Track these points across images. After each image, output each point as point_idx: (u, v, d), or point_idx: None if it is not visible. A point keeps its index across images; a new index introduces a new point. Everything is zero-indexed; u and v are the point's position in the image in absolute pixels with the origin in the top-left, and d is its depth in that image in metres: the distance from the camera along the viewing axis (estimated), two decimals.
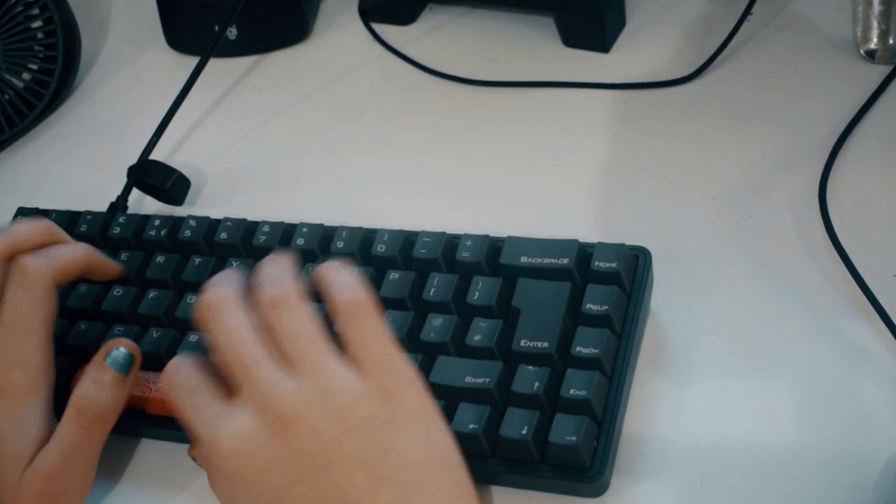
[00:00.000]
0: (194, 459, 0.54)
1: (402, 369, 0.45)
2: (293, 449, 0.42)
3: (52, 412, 0.53)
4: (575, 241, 0.55)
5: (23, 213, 0.67)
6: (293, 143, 0.73)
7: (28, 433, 0.52)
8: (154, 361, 0.56)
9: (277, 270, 0.46)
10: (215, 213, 0.64)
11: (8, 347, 0.52)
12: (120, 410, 0.53)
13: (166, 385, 0.46)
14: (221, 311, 0.45)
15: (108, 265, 0.57)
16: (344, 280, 0.46)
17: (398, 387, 0.44)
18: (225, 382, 0.46)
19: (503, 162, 0.67)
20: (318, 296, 0.46)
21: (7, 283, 0.53)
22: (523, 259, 0.55)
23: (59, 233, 0.56)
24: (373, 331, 0.45)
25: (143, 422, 0.56)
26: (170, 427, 0.55)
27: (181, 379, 0.46)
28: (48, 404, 0.53)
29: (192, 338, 0.57)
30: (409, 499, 0.42)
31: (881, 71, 0.65)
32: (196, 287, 0.59)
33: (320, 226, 0.60)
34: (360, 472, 0.42)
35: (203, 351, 0.56)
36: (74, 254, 0.55)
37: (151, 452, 0.58)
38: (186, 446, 0.55)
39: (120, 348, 0.53)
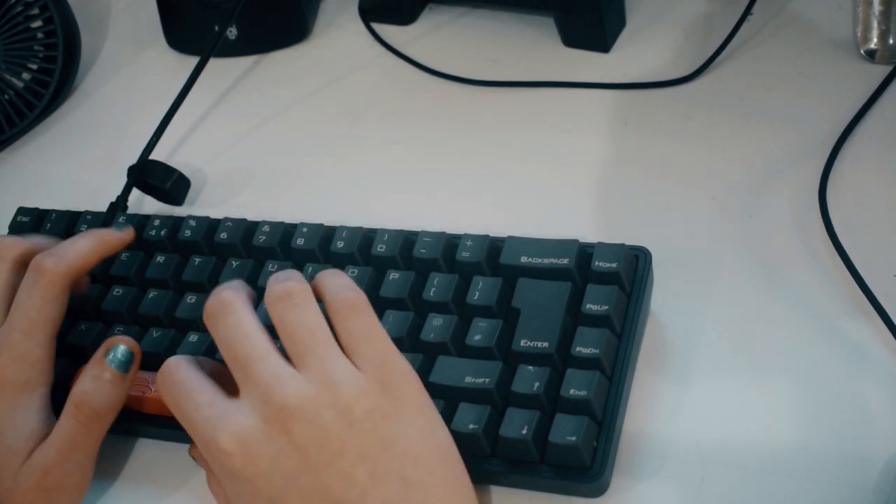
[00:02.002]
0: (194, 458, 0.54)
1: (399, 364, 0.45)
2: (296, 443, 0.42)
3: (49, 409, 0.53)
4: (575, 241, 0.55)
5: (23, 213, 0.67)
6: (293, 143, 0.73)
7: (25, 428, 0.52)
8: (154, 361, 0.56)
9: (285, 273, 0.47)
10: (215, 213, 0.64)
11: (12, 343, 0.53)
12: (119, 408, 0.53)
13: (162, 385, 0.46)
14: (228, 310, 0.46)
15: (120, 240, 0.58)
16: (338, 281, 0.47)
17: (397, 381, 0.44)
18: (224, 382, 0.46)
19: (503, 162, 0.67)
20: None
21: (22, 282, 0.54)
22: (523, 259, 0.55)
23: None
24: (367, 326, 0.45)
25: (142, 422, 0.56)
26: (168, 427, 0.55)
27: (177, 379, 0.46)
28: (46, 401, 0.53)
29: (193, 338, 0.57)
30: (409, 493, 0.42)
31: (881, 71, 0.65)
32: (196, 287, 0.59)
33: (320, 226, 0.60)
34: (363, 465, 0.42)
35: (203, 352, 0.56)
36: (87, 247, 0.56)
37: (150, 452, 0.58)
38: (185, 446, 0.55)
39: (120, 346, 0.53)
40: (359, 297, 0.46)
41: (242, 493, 0.43)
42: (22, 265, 0.56)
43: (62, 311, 0.54)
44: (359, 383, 0.43)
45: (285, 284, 0.46)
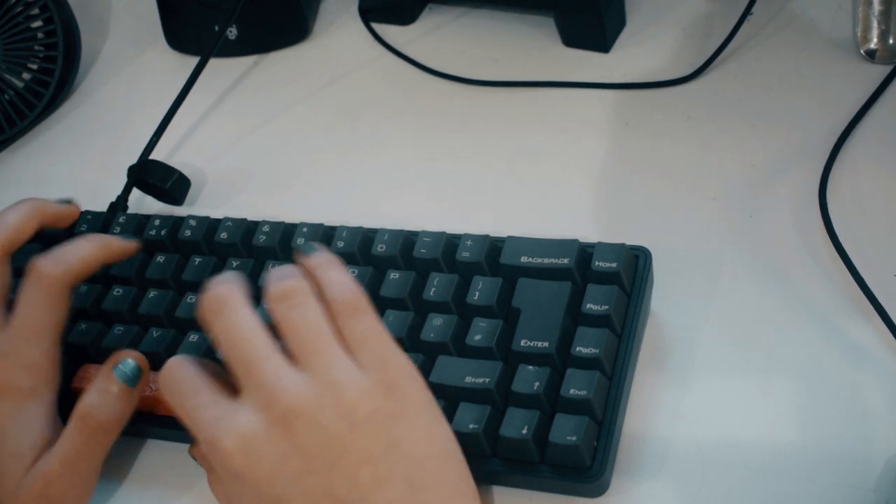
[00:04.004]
0: (195, 458, 0.54)
1: (402, 365, 0.45)
2: (299, 445, 0.42)
3: (56, 415, 0.53)
4: (575, 241, 0.55)
5: None
6: (293, 143, 0.73)
7: (31, 434, 0.52)
8: (154, 361, 0.56)
9: (283, 269, 0.46)
10: (215, 213, 0.64)
11: (17, 349, 0.52)
12: (125, 422, 0.53)
13: (163, 386, 0.46)
14: (225, 308, 0.45)
15: (123, 249, 0.58)
16: (337, 278, 0.46)
17: (399, 382, 0.44)
18: (225, 383, 0.46)
19: (503, 162, 0.67)
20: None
21: (23, 285, 0.54)
22: (523, 259, 0.55)
23: (48, 209, 0.57)
24: (369, 327, 0.45)
25: (144, 423, 0.56)
26: (170, 427, 0.55)
27: (179, 379, 0.46)
28: (52, 407, 0.53)
29: (193, 338, 0.57)
30: (413, 494, 0.42)
31: (881, 71, 0.65)
32: (196, 287, 0.59)
33: (320, 226, 0.60)
34: (366, 467, 0.42)
35: (203, 352, 0.56)
36: (89, 251, 0.55)
37: (151, 452, 0.57)
38: (186, 446, 0.55)
39: (128, 360, 0.53)
40: (360, 298, 0.45)
41: (245, 494, 0.43)
42: (7, 257, 0.55)
43: (65, 315, 0.54)
44: (362, 385, 0.43)
45: (286, 283, 0.45)
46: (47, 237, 0.62)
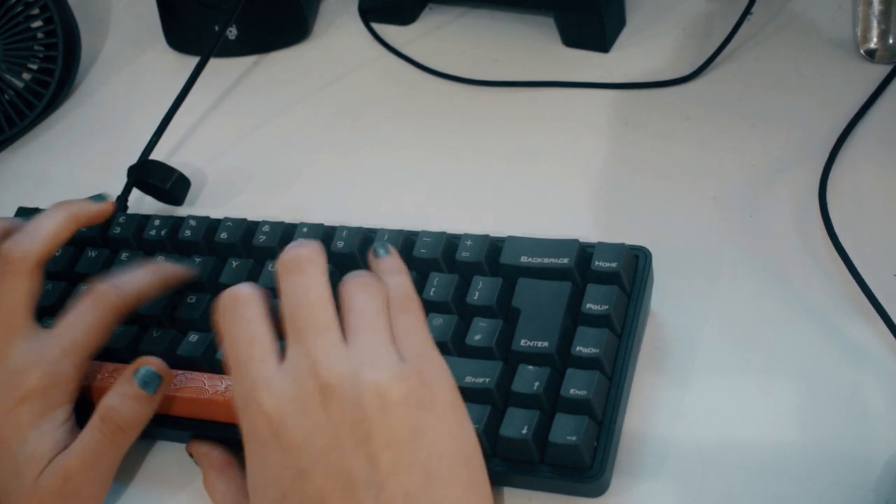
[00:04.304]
0: (191, 455, 0.54)
1: (438, 362, 0.46)
2: (331, 419, 0.43)
3: (74, 422, 0.54)
4: (575, 241, 0.55)
5: (23, 213, 0.67)
6: (293, 143, 0.73)
7: (50, 439, 0.52)
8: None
9: (365, 273, 0.48)
10: (215, 213, 0.64)
11: (51, 359, 0.53)
12: (143, 425, 0.53)
13: (226, 312, 0.46)
14: (301, 270, 0.46)
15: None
16: (399, 280, 0.48)
17: (433, 378, 0.45)
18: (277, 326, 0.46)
19: (503, 162, 0.67)
20: None
21: (79, 301, 0.55)
22: (523, 259, 0.55)
23: (80, 211, 0.58)
24: (416, 324, 0.46)
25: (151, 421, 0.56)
26: (175, 427, 0.56)
27: (244, 316, 0.46)
28: (72, 415, 0.54)
29: (193, 338, 0.57)
30: (429, 487, 0.42)
31: (881, 71, 0.65)
32: (196, 287, 0.59)
33: (320, 226, 0.60)
34: (388, 451, 0.42)
35: (201, 353, 0.56)
36: (145, 281, 0.57)
37: (157, 452, 0.58)
38: (183, 445, 0.55)
39: (148, 368, 0.53)
40: (414, 298, 0.47)
41: (269, 460, 0.43)
42: (40, 265, 0.55)
43: (106, 340, 0.55)
44: (399, 368, 0.44)
45: (365, 276, 0.47)
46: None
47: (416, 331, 0.46)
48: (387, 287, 0.47)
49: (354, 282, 0.47)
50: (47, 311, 0.60)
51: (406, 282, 0.48)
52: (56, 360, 0.53)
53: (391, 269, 0.49)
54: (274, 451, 0.43)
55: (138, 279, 0.57)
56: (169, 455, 0.57)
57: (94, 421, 0.52)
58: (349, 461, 0.42)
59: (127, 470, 0.57)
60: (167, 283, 0.58)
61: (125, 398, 0.53)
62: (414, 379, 0.44)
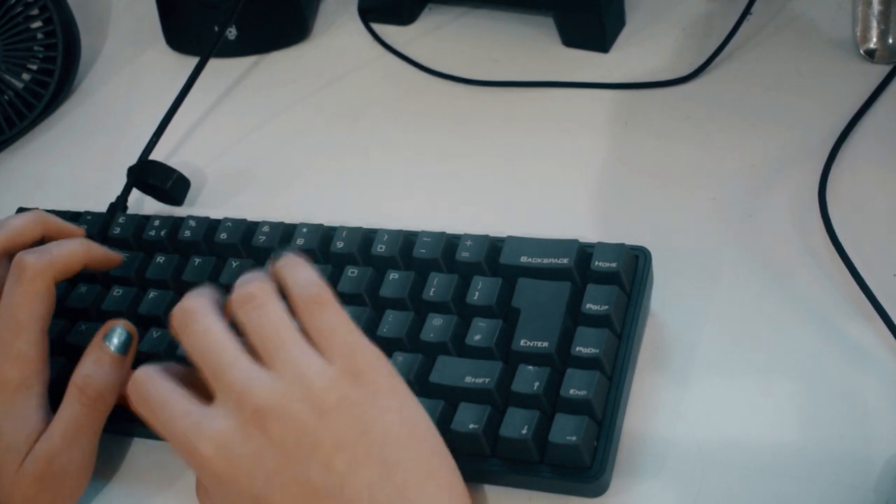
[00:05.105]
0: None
1: (367, 351, 0.45)
2: (273, 441, 0.43)
3: (48, 407, 0.54)
4: (575, 241, 0.55)
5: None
6: (293, 143, 0.73)
7: (24, 427, 0.52)
8: (154, 361, 0.57)
9: (248, 276, 0.47)
10: (215, 213, 0.64)
11: (3, 343, 0.53)
12: (120, 390, 0.53)
13: (135, 397, 0.46)
14: (193, 318, 0.46)
15: (108, 257, 0.58)
16: (300, 275, 0.47)
17: (366, 368, 0.45)
18: (196, 385, 0.46)
19: (503, 162, 0.67)
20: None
21: (6, 279, 0.54)
22: (523, 259, 0.55)
23: (52, 220, 0.58)
24: (333, 319, 0.46)
25: (130, 420, 0.56)
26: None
27: (150, 390, 0.46)
28: (44, 399, 0.54)
29: None
30: (390, 474, 0.43)
31: (881, 71, 0.65)
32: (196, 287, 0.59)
33: (320, 226, 0.60)
34: (341, 454, 0.42)
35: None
36: (73, 250, 0.56)
37: (137, 450, 0.58)
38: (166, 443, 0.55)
39: (118, 328, 0.54)
40: (322, 291, 0.46)
41: (228, 495, 0.44)
42: (4, 258, 0.56)
43: (50, 307, 0.54)
44: (328, 374, 0.44)
45: (247, 288, 0.46)
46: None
47: (337, 327, 0.45)
48: (291, 285, 0.46)
49: (238, 301, 0.46)
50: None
51: (307, 273, 0.47)
52: (5, 341, 0.53)
53: (287, 264, 0.48)
54: (228, 484, 0.43)
55: (63, 246, 0.55)
56: (152, 453, 0.57)
57: (70, 393, 0.53)
58: (305, 473, 0.42)
59: (110, 468, 0.57)
60: (95, 259, 0.57)
61: (99, 364, 0.53)
62: (345, 379, 0.44)
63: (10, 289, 0.54)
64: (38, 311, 0.54)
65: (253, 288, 0.46)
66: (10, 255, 0.55)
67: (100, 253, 0.57)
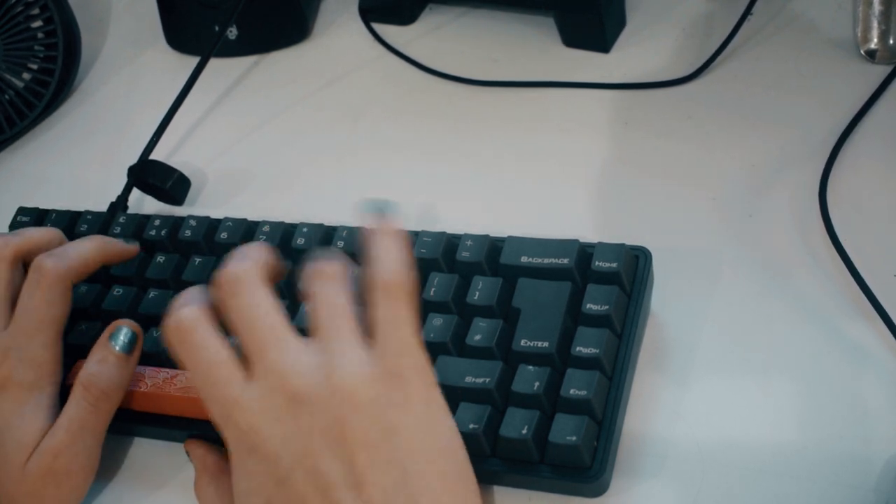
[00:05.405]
0: (188, 454, 0.54)
1: (415, 357, 0.45)
2: (302, 428, 0.43)
3: (58, 407, 0.54)
4: (575, 241, 0.55)
5: (23, 213, 0.67)
6: (293, 143, 0.73)
7: (34, 425, 0.53)
8: (154, 361, 0.57)
9: (330, 252, 0.47)
10: (215, 213, 0.64)
11: (18, 344, 0.54)
12: (125, 389, 0.54)
13: (179, 343, 0.46)
14: (243, 288, 0.45)
15: (124, 251, 0.59)
16: (392, 257, 0.45)
17: (409, 372, 0.44)
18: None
19: (503, 162, 0.67)
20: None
21: (23, 282, 0.55)
22: (523, 259, 0.55)
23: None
24: (400, 315, 0.45)
25: (130, 419, 0.56)
26: (156, 424, 0.56)
27: (198, 341, 0.45)
28: (54, 400, 0.54)
29: None
30: (407, 482, 0.42)
31: (881, 71, 0.65)
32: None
33: (320, 226, 0.60)
34: (364, 452, 0.42)
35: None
36: (89, 250, 0.57)
37: (137, 449, 0.58)
38: (173, 444, 0.56)
39: (123, 328, 0.55)
40: (398, 283, 0.45)
41: (251, 470, 0.44)
42: (20, 263, 0.56)
43: (66, 310, 0.55)
44: (368, 372, 0.43)
45: (324, 264, 0.46)
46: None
47: (399, 322, 0.45)
48: (379, 261, 0.45)
49: (312, 273, 0.46)
50: None
51: (399, 257, 0.45)
52: (21, 344, 0.53)
53: (386, 244, 0.46)
54: (254, 461, 0.43)
55: (80, 247, 0.57)
56: (153, 453, 0.57)
57: (76, 391, 0.53)
58: (325, 465, 0.42)
59: (110, 468, 0.57)
60: (112, 255, 0.58)
61: (104, 363, 0.54)
62: (384, 379, 0.43)
63: (28, 292, 0.55)
64: (55, 315, 0.55)
65: (329, 266, 0.46)
66: (23, 261, 0.56)
67: (116, 249, 0.58)
